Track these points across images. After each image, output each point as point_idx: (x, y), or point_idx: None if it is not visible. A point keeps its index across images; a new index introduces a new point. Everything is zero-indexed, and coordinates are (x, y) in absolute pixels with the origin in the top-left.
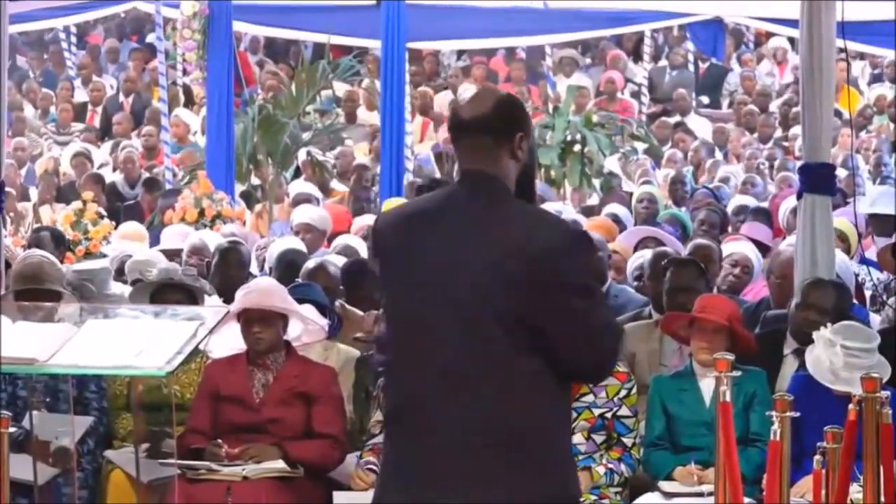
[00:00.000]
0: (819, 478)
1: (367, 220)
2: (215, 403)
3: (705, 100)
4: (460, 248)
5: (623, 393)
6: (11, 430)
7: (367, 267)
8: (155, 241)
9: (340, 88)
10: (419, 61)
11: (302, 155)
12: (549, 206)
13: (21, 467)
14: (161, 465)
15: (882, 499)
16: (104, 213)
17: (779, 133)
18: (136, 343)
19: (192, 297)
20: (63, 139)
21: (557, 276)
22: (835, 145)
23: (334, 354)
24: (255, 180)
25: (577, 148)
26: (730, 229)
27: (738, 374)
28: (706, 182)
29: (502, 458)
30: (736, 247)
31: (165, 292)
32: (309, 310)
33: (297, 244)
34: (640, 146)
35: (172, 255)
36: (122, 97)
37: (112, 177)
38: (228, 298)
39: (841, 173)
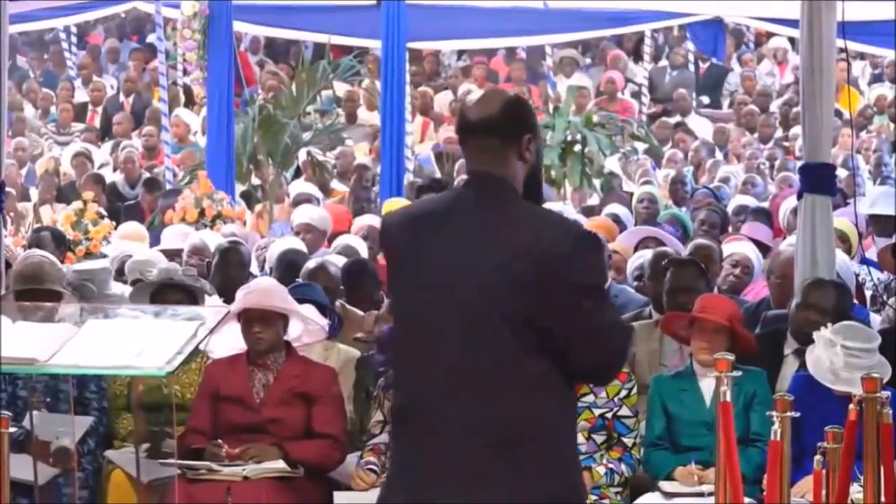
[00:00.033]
0: (819, 478)
1: (368, 220)
2: (215, 403)
3: (706, 100)
4: (468, 249)
5: (623, 393)
6: (12, 430)
7: (368, 267)
8: (155, 241)
9: (341, 88)
10: (419, 61)
11: (302, 155)
12: (549, 206)
13: (21, 467)
14: (161, 465)
15: (882, 499)
16: (104, 213)
17: (779, 133)
18: (137, 343)
19: (192, 297)
20: (63, 139)
21: (567, 277)
22: (835, 145)
23: (334, 354)
24: (255, 180)
25: (577, 148)
26: (730, 229)
27: (738, 374)
28: (706, 182)
29: (509, 459)
30: (736, 247)
31: (166, 292)
32: (309, 310)
33: (298, 244)
34: (641, 146)
35: (173, 255)
36: (122, 97)
37: (112, 177)
38: (229, 298)
39: (841, 173)
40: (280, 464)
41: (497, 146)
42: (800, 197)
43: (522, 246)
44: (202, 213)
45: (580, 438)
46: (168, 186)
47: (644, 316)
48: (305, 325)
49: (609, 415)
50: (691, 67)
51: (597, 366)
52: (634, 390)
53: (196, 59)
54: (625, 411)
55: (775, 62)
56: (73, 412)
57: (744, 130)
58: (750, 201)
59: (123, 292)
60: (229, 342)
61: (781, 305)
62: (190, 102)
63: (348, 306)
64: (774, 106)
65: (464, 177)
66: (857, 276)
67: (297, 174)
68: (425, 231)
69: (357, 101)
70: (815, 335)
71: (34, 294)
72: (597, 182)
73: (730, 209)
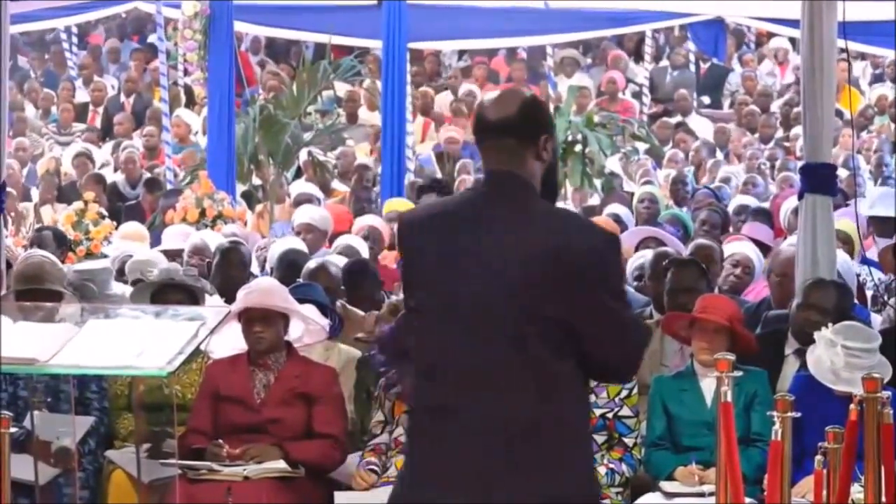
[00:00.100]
0: (820, 478)
1: (369, 220)
2: (216, 404)
3: (706, 100)
4: (488, 248)
5: (624, 393)
6: (12, 430)
7: (369, 267)
8: (156, 241)
9: (341, 88)
10: (420, 61)
11: (303, 155)
12: None
13: (22, 467)
14: (162, 465)
15: (883, 499)
16: (105, 213)
17: (780, 133)
18: (138, 343)
19: (193, 297)
20: (64, 139)
21: (590, 276)
22: (836, 145)
23: (335, 355)
24: (256, 180)
25: (578, 148)
26: (731, 229)
27: (739, 374)
28: (707, 182)
29: (530, 457)
30: (737, 247)
31: (166, 292)
32: (310, 310)
33: (299, 244)
34: (642, 146)
35: (173, 255)
36: (123, 97)
37: (113, 177)
38: (229, 298)
39: (842, 173)
40: (281, 464)
41: (514, 146)
42: (800, 197)
43: (544, 245)
44: (203, 214)
45: None
46: (169, 186)
47: (645, 316)
48: (306, 326)
49: (610, 415)
50: (692, 67)
51: (617, 363)
52: (635, 390)
53: (197, 60)
54: (626, 411)
55: (776, 62)
56: (74, 412)
57: (744, 130)
58: (751, 201)
59: (124, 292)
60: (230, 342)
61: (782, 304)
62: (191, 102)
63: (349, 306)
64: (775, 106)
65: (465, 177)
66: (857, 276)
67: (298, 174)
68: (445, 230)
69: (358, 101)
70: (816, 335)
71: (35, 294)
72: (597, 182)
73: (730, 209)
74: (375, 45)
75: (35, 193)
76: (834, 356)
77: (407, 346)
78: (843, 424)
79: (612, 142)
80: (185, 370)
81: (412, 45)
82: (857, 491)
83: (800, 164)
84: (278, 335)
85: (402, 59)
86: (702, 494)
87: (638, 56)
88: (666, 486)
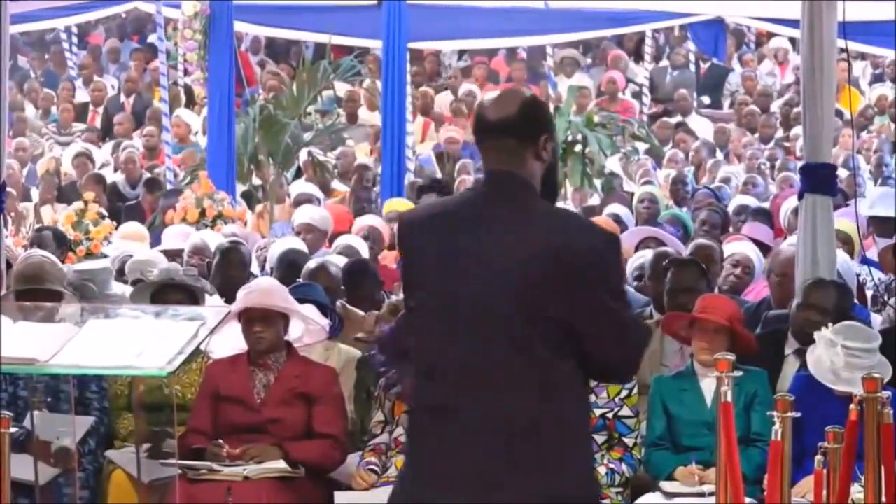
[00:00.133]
0: (820, 478)
1: (369, 220)
2: (216, 404)
3: (706, 100)
4: (489, 248)
5: (624, 393)
6: (12, 430)
7: (369, 267)
8: (156, 241)
9: (341, 88)
10: (420, 61)
11: (303, 155)
12: None
13: (22, 467)
14: (162, 465)
15: (883, 499)
16: (105, 213)
17: (780, 133)
18: (138, 343)
19: (193, 297)
20: (64, 139)
21: (591, 276)
22: (836, 145)
23: (335, 355)
24: (256, 180)
25: (578, 148)
26: (731, 229)
27: (739, 374)
28: (707, 182)
29: (530, 458)
30: (737, 247)
31: (166, 292)
32: (310, 310)
33: (299, 244)
34: (642, 146)
35: (173, 255)
36: (123, 97)
37: (113, 177)
38: (229, 298)
39: (842, 173)
40: (281, 464)
41: (514, 146)
42: (800, 197)
43: (544, 245)
44: (203, 214)
45: None
46: (169, 186)
47: (645, 316)
48: (306, 326)
49: (610, 415)
50: (692, 67)
51: (617, 363)
52: (635, 390)
53: (197, 60)
54: (626, 411)
55: (776, 62)
56: (74, 412)
57: (744, 130)
58: (751, 201)
59: (124, 292)
60: (230, 342)
61: (782, 303)
62: (191, 102)
63: (349, 306)
64: (775, 106)
65: (465, 177)
66: (857, 276)
67: (298, 174)
68: (445, 230)
69: (358, 101)
70: (816, 335)
71: (35, 294)
72: (597, 182)
73: (730, 209)
74: (375, 45)
75: (35, 193)
76: (834, 356)
77: (407, 346)
78: (843, 424)
79: (612, 142)
80: (185, 370)
81: (412, 45)
82: (857, 491)
83: (800, 164)
84: (278, 335)
85: (402, 59)
86: (702, 494)
87: (638, 56)
88: (666, 486)
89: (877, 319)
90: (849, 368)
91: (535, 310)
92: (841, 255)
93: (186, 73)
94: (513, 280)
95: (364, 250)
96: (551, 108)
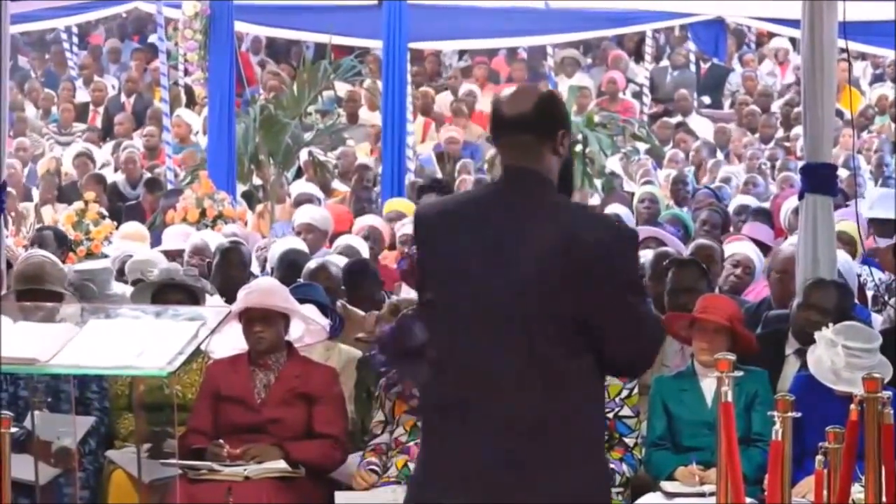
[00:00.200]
0: (821, 478)
1: (369, 220)
2: (217, 404)
3: (707, 100)
4: (507, 243)
5: (625, 393)
6: (13, 430)
7: (369, 267)
8: (156, 241)
9: (342, 88)
10: (421, 61)
11: (303, 155)
12: None
13: (23, 467)
14: (162, 465)
15: (884, 499)
16: (106, 213)
17: (780, 133)
18: (138, 343)
19: (193, 297)
20: (65, 139)
21: (610, 271)
22: (836, 145)
23: (336, 355)
24: (256, 180)
25: (578, 148)
26: (731, 229)
27: (739, 374)
28: (708, 182)
29: (539, 456)
30: (737, 247)
31: (167, 292)
32: (310, 310)
33: (299, 244)
34: (642, 146)
35: (174, 255)
36: (123, 97)
37: (114, 177)
38: (230, 298)
39: (842, 173)
40: (281, 464)
41: (531, 142)
42: (801, 197)
43: (563, 240)
44: (203, 214)
45: None
46: (169, 186)
47: None
48: (307, 326)
49: (610, 415)
50: (692, 67)
51: (633, 359)
52: (636, 390)
53: (197, 60)
54: (626, 411)
55: (776, 62)
56: (75, 412)
57: (745, 130)
58: (751, 201)
59: (124, 292)
60: (230, 342)
61: (782, 302)
62: (191, 102)
63: (349, 306)
64: (775, 106)
65: (465, 177)
66: (858, 276)
67: (299, 174)
68: (462, 226)
69: (358, 101)
70: (817, 335)
71: (35, 294)
72: (598, 182)
73: (731, 209)
74: (376, 45)
75: (35, 193)
76: (834, 356)
77: (407, 346)
78: (844, 424)
79: (613, 142)
80: (185, 370)
81: (412, 45)
82: (857, 491)
83: (800, 164)
84: (279, 335)
85: (402, 59)
86: (702, 494)
87: (638, 56)
88: (666, 486)
89: (877, 319)
90: (849, 368)
91: (549, 305)
92: (841, 255)
93: (187, 73)
94: (528, 276)
95: (364, 250)
96: None
